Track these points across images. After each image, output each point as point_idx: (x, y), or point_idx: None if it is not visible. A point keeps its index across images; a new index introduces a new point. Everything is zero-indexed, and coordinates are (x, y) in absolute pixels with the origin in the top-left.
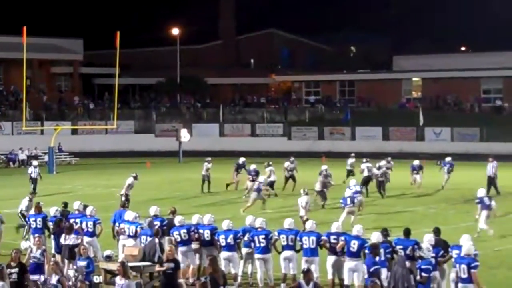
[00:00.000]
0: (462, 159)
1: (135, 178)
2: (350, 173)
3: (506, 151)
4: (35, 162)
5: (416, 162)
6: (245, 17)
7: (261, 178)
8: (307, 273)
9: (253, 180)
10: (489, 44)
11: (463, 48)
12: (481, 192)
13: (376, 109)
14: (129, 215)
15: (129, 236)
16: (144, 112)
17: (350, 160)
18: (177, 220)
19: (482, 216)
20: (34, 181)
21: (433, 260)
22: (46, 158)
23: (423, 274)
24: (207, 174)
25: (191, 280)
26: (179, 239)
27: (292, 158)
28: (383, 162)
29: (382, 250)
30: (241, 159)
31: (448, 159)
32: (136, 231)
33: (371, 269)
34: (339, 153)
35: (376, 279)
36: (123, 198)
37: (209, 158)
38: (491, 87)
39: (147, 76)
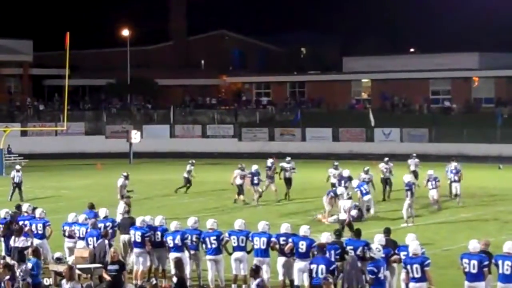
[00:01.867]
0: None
1: (126, 177)
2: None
3: (455, 151)
4: (17, 166)
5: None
6: (196, 18)
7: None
8: (255, 270)
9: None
10: (437, 46)
11: (412, 50)
12: (407, 178)
13: (326, 110)
14: (80, 216)
15: (79, 238)
16: (95, 114)
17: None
18: (158, 220)
19: (406, 203)
20: (17, 185)
21: (382, 261)
22: None
23: (370, 276)
24: (188, 177)
25: (139, 282)
26: (133, 239)
27: (288, 158)
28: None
29: (332, 252)
30: (254, 167)
31: (453, 164)
32: (86, 232)
33: (331, 268)
34: (289, 154)
35: (329, 276)
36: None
37: (193, 160)
38: (439, 88)
39: (98, 77)
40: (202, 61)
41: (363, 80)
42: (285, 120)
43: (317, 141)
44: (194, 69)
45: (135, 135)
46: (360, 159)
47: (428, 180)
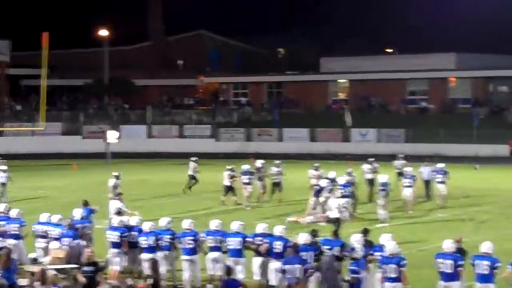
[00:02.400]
0: (388, 160)
1: (117, 177)
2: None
3: (431, 152)
4: (3, 167)
5: (440, 165)
6: (174, 19)
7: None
8: (228, 271)
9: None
10: (414, 46)
11: (389, 50)
12: (383, 178)
13: (304, 110)
14: (53, 217)
15: (54, 238)
16: (72, 114)
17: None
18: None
19: (379, 204)
20: (2, 185)
21: (363, 261)
22: None
23: (352, 275)
24: (193, 174)
25: (115, 283)
26: (110, 240)
27: (277, 161)
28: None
29: (311, 254)
30: (245, 167)
31: (440, 165)
32: (60, 233)
33: (305, 267)
34: (267, 154)
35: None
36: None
37: (196, 158)
38: (416, 88)
39: (75, 77)
40: (180, 62)
41: (341, 81)
42: (263, 120)
43: (294, 141)
44: (172, 70)
45: (112, 136)
46: (337, 159)
47: (404, 178)
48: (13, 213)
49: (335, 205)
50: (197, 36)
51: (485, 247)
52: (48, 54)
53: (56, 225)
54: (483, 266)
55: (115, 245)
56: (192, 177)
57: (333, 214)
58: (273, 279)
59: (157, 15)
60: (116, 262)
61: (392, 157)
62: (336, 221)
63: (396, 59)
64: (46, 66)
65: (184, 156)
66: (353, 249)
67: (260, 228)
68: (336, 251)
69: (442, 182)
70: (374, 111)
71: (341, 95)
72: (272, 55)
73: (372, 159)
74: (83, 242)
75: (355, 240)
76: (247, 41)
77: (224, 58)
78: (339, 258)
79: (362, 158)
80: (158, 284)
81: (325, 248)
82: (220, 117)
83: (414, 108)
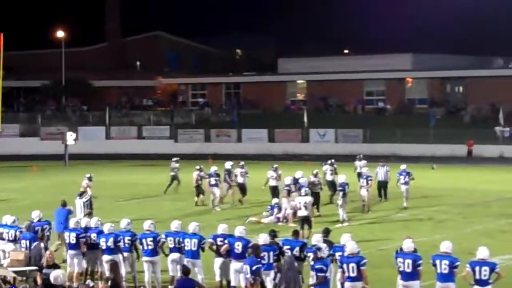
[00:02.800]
0: (346, 160)
1: (89, 179)
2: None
3: (389, 152)
4: None
5: (403, 166)
6: (131, 20)
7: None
8: (185, 271)
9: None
10: (371, 47)
11: (346, 51)
12: (341, 178)
13: (262, 111)
14: (7, 218)
15: (9, 240)
16: (29, 115)
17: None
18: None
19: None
20: None
21: (329, 260)
22: None
23: (319, 274)
24: (175, 174)
25: (75, 285)
26: (67, 241)
27: (241, 162)
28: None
29: (271, 253)
30: (213, 169)
31: (403, 167)
32: (15, 235)
33: (253, 268)
34: (225, 155)
35: (256, 276)
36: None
37: (177, 158)
38: (373, 89)
39: (32, 78)
40: (138, 62)
41: (298, 81)
42: (221, 121)
43: (253, 142)
44: (130, 70)
45: (70, 137)
46: (295, 159)
47: (361, 178)
48: None
49: (302, 203)
50: (154, 37)
51: (444, 246)
52: (3, 55)
53: (11, 226)
54: (443, 266)
55: (72, 246)
56: (174, 178)
57: (302, 212)
58: (233, 280)
59: (114, 16)
60: (74, 264)
61: (350, 157)
62: (305, 220)
63: (353, 60)
64: (1, 67)
65: (143, 158)
66: (319, 248)
67: (221, 228)
68: (296, 251)
69: (405, 183)
70: (331, 112)
71: (299, 96)
72: (230, 56)
73: (332, 160)
74: (42, 244)
75: (316, 240)
76: (204, 42)
77: (182, 59)
78: (300, 259)
79: (320, 158)
80: (118, 285)
81: (285, 248)
82: (179, 118)
83: (371, 109)
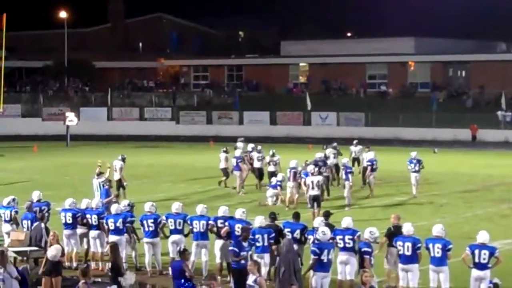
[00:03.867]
0: (347, 144)
1: (123, 160)
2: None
3: (390, 135)
4: None
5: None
6: (133, 1)
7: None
8: (183, 252)
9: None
10: (374, 30)
11: (349, 34)
12: (345, 161)
13: (264, 93)
14: (5, 200)
15: (5, 221)
16: (31, 96)
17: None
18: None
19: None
20: None
21: (328, 244)
22: None
23: (312, 256)
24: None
25: (74, 265)
26: (63, 221)
27: (259, 147)
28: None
29: (265, 236)
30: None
31: (413, 154)
32: (11, 215)
33: (229, 249)
34: (227, 137)
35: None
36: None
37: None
38: (376, 72)
39: (35, 59)
40: (140, 44)
41: (301, 64)
42: (223, 103)
43: (254, 124)
44: (132, 52)
45: (72, 118)
46: (297, 142)
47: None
48: None
49: (315, 182)
50: (156, 18)
51: (436, 230)
52: (6, 35)
53: (7, 207)
54: (436, 249)
55: (68, 226)
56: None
57: (313, 191)
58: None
59: None
60: (71, 244)
61: (352, 140)
62: (315, 199)
63: (356, 43)
64: (4, 47)
65: (145, 139)
66: (323, 232)
67: (221, 211)
68: (296, 233)
69: (416, 171)
70: (333, 95)
71: (302, 79)
72: (232, 38)
73: (335, 143)
74: (43, 225)
75: (317, 224)
76: (207, 24)
77: (185, 41)
78: (300, 241)
79: (322, 141)
80: (118, 267)
81: (286, 230)
82: (181, 100)
83: (374, 92)
